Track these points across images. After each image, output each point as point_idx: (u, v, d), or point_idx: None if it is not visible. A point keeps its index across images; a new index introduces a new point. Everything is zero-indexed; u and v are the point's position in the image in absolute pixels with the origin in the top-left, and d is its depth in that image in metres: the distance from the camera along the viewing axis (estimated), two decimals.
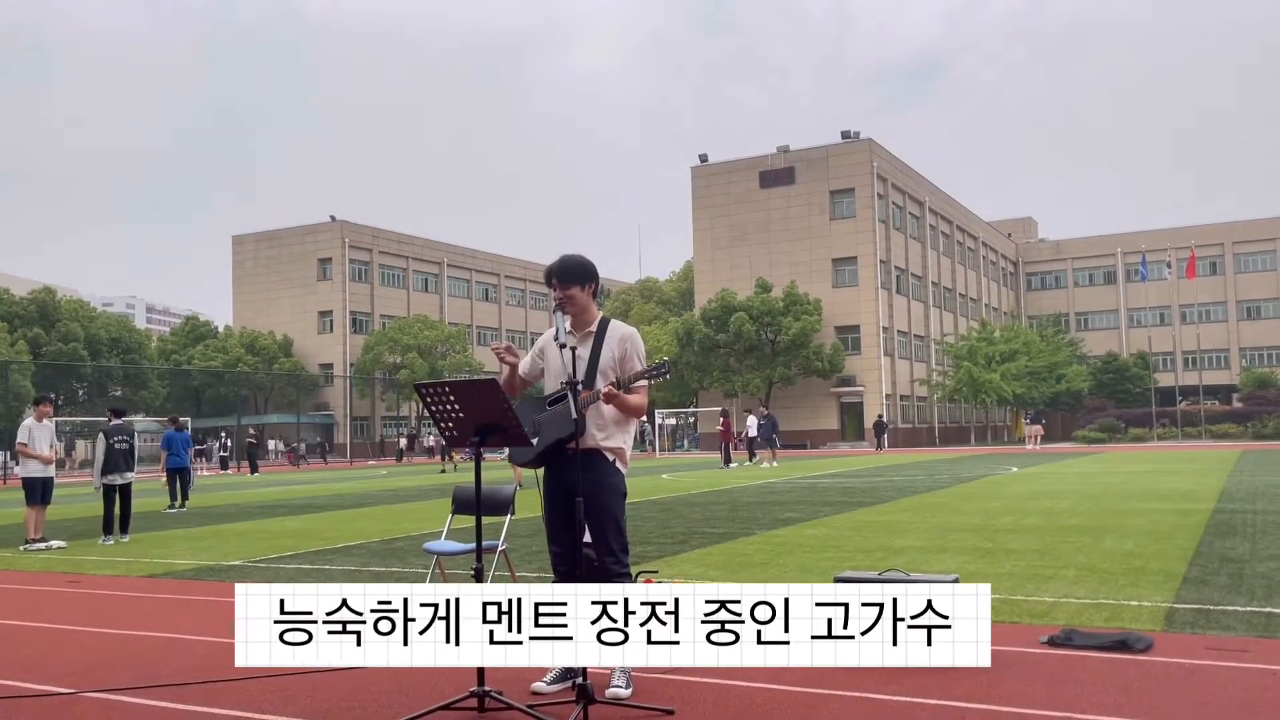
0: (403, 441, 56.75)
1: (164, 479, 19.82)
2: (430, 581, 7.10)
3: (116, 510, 12.96)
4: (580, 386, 4.54)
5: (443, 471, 35.57)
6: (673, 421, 62.94)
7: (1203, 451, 36.26)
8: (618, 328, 4.82)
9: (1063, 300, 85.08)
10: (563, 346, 4.60)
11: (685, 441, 63.20)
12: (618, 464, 4.76)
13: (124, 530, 13.02)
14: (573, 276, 4.75)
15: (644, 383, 4.69)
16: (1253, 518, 11.68)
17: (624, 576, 4.69)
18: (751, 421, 35.14)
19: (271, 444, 65.41)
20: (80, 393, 61.85)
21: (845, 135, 60.90)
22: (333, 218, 72.20)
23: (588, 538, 4.71)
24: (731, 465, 32.07)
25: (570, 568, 4.78)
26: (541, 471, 4.85)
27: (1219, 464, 25.28)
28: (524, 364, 4.90)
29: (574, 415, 4.42)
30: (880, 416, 54.59)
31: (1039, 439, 47.40)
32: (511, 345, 4.72)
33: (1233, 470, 21.98)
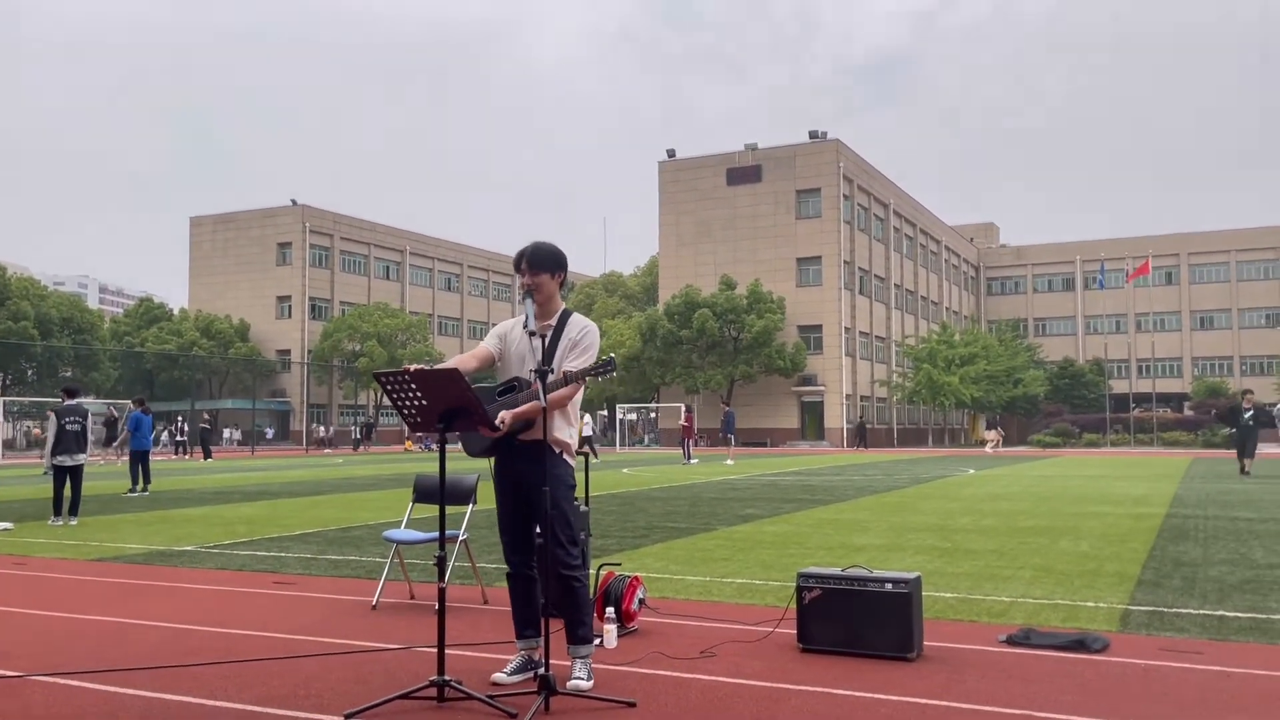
0: (326, 432, 56.66)
1: (124, 462, 19.48)
2: (389, 570, 7.01)
3: (66, 491, 12.76)
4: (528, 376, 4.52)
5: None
6: (633, 416, 62.97)
7: (1154, 458, 36.90)
8: (579, 320, 4.77)
9: (1022, 305, 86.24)
10: (532, 335, 4.56)
11: (646, 437, 63.26)
12: (564, 456, 4.72)
13: (73, 513, 12.78)
14: (543, 264, 4.70)
15: (579, 374, 4.60)
16: (1204, 523, 11.88)
17: (575, 569, 4.64)
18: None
19: (228, 432, 64.65)
20: (29, 373, 60.64)
21: (813, 135, 61.21)
22: (294, 201, 71.38)
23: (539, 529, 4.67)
24: (693, 461, 32.12)
25: (524, 557, 4.75)
26: (493, 462, 4.80)
27: (1170, 470, 25.72)
28: (489, 344, 4.83)
29: (543, 404, 4.37)
30: (860, 418, 56.04)
31: (999, 443, 48.61)
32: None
33: (1184, 477, 22.37)
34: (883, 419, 65.52)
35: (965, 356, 59.60)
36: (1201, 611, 6.38)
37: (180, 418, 49.29)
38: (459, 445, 4.76)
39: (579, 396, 4.74)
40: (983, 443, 52.09)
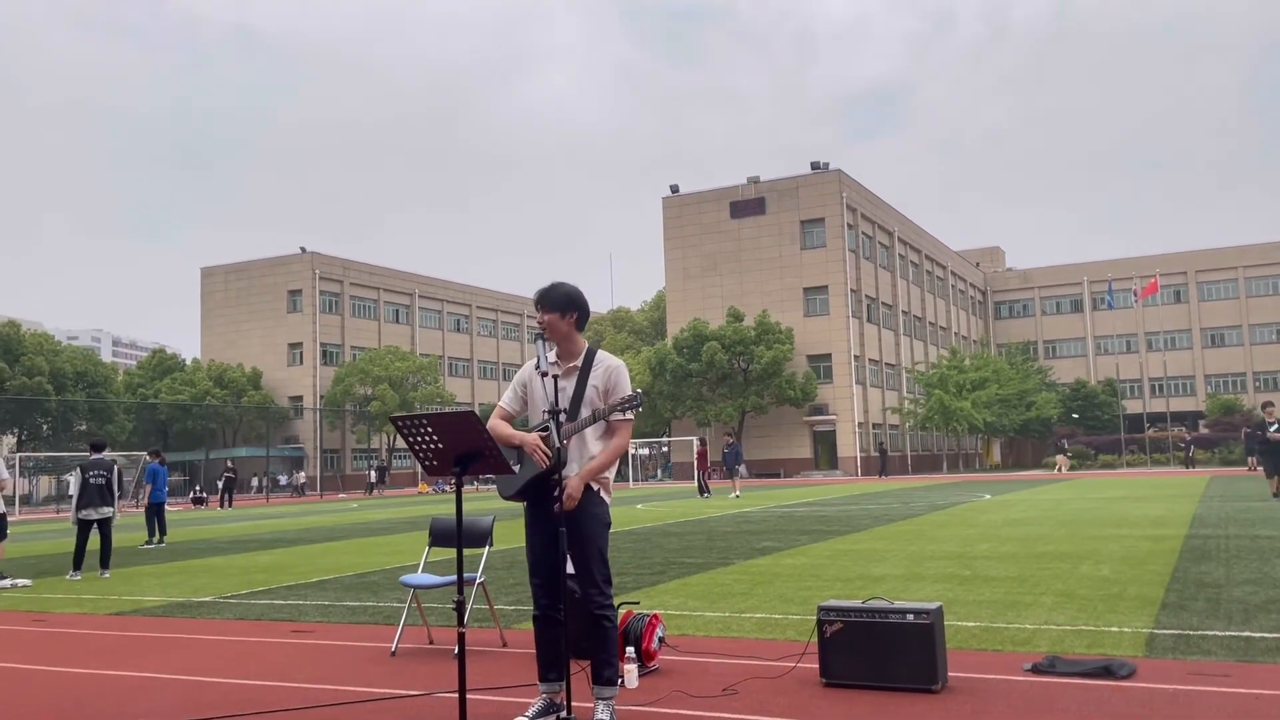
0: (373, 474, 56.32)
1: (122, 513, 19.53)
2: (407, 615, 6.99)
3: (92, 545, 12.86)
4: (563, 417, 4.51)
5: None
6: (645, 451, 62.81)
7: (1171, 478, 36.61)
8: (604, 358, 4.75)
9: (1031, 328, 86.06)
10: (544, 375, 4.56)
11: (659, 471, 63.08)
12: (602, 494, 4.71)
13: (104, 565, 12.87)
14: (552, 304, 4.71)
15: (625, 419, 4.66)
16: (1225, 542, 11.77)
17: (607, 608, 4.63)
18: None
19: (256, 480, 64.52)
20: (44, 427, 60.88)
21: (815, 166, 61.52)
22: (303, 249, 71.88)
23: (571, 569, 4.65)
24: (708, 495, 31.95)
25: (552, 600, 4.70)
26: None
27: (1188, 490, 25.52)
28: (509, 403, 4.84)
29: (557, 445, 4.38)
30: (881, 445, 55.85)
31: (1064, 466, 50.59)
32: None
33: (1202, 496, 22.18)
34: (896, 446, 65.21)
35: (976, 381, 59.42)
36: (1227, 633, 6.31)
37: (213, 484, 49.03)
38: (474, 487, 4.77)
39: (625, 438, 4.71)
40: (1053, 465, 53.21)
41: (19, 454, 50.98)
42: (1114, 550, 11.33)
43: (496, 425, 4.67)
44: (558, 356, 4.71)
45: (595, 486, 4.68)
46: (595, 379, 4.69)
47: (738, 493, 32.13)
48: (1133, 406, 73.44)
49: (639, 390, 4.60)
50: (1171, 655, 5.75)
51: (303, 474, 58.62)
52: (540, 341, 4.67)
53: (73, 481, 13.37)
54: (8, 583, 11.88)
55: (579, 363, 4.73)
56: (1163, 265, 79.39)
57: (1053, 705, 4.76)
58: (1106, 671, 5.28)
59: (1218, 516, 15.86)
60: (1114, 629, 6.58)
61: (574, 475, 4.55)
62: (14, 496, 51.94)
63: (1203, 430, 65.17)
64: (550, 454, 4.47)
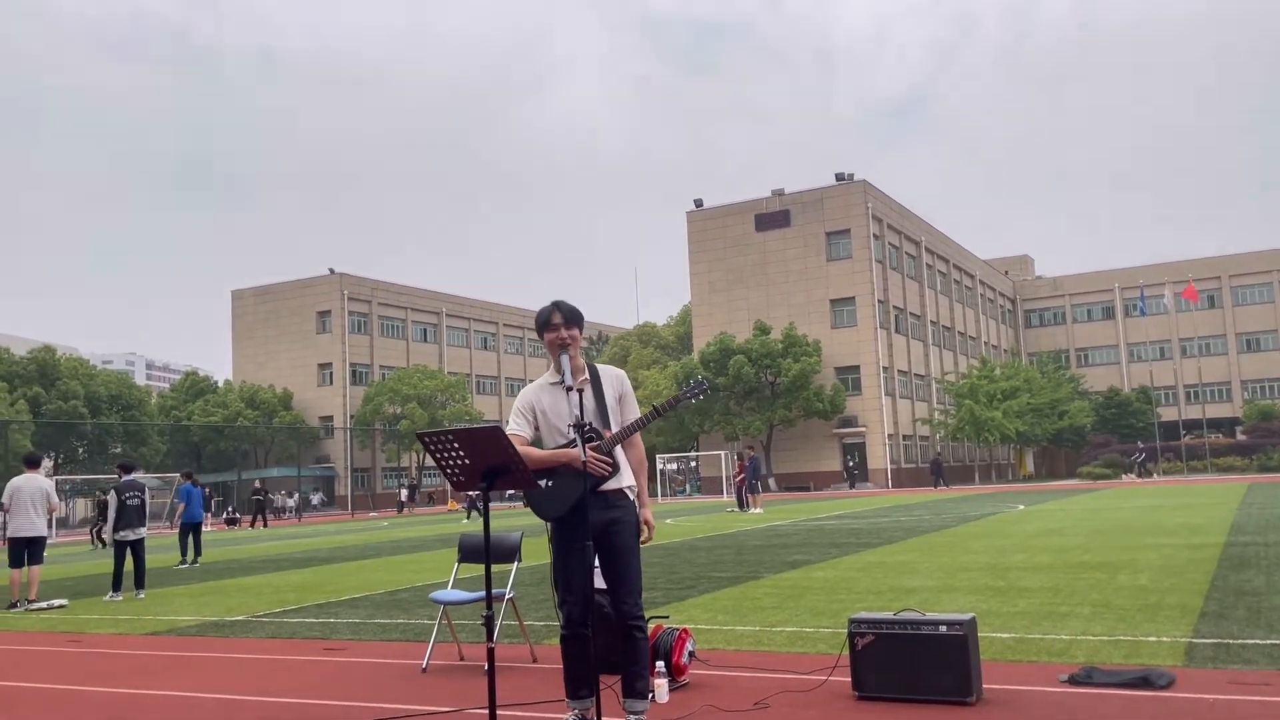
0: (403, 493, 56.48)
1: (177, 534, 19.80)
2: (437, 632, 7.00)
3: (128, 566, 13.05)
4: (591, 428, 4.55)
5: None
6: (674, 466, 62.67)
7: (1209, 485, 36.07)
8: (608, 369, 4.88)
9: (1062, 336, 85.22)
10: (569, 389, 4.58)
11: (687, 486, 62.94)
12: (638, 503, 4.75)
13: (139, 586, 13.07)
14: (576, 319, 4.80)
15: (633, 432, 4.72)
16: (1265, 550, 11.57)
17: (640, 619, 4.62)
18: None
19: (278, 500, 64.62)
20: (80, 451, 61.67)
21: (839, 177, 61.37)
22: (331, 270, 72.55)
23: (600, 583, 4.64)
24: (739, 509, 31.76)
25: (584, 615, 4.66)
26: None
27: (1227, 497, 25.12)
28: (521, 429, 4.79)
29: (581, 455, 4.40)
30: (937, 454, 55.16)
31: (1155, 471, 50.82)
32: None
33: (1241, 503, 21.83)
34: (927, 457, 64.67)
35: (1007, 390, 58.84)
36: (1268, 642, 6.20)
37: (244, 505, 49.05)
38: (506, 503, 4.78)
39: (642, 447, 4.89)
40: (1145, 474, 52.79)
41: (55, 477, 51.63)
42: (1151, 559, 11.17)
43: (528, 451, 4.62)
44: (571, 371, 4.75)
45: (632, 496, 4.74)
46: (610, 389, 4.78)
47: (759, 508, 31.87)
48: (1168, 414, 72.46)
49: (702, 378, 4.75)
50: (1211, 664, 5.65)
51: (297, 495, 57.20)
52: (565, 356, 4.70)
53: (110, 504, 13.60)
54: (44, 604, 12.03)
55: (587, 375, 4.80)
56: (1196, 270, 78.41)
57: (1090, 716, 4.69)
58: (1145, 682, 5.19)
59: (1258, 524, 15.60)
60: (1152, 638, 6.47)
61: (642, 508, 4.78)
62: (51, 519, 52.64)
63: (1240, 437, 64.21)
64: (612, 463, 4.55)
